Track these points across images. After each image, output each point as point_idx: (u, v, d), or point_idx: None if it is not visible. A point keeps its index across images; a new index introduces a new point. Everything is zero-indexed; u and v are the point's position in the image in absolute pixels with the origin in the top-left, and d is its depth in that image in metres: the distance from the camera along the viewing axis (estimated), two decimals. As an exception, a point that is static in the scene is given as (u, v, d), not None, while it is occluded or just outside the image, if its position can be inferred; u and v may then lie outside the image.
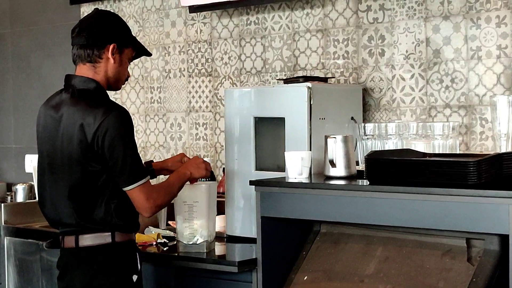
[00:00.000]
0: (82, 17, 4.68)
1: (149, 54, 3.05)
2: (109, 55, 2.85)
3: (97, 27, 2.87)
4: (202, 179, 3.84)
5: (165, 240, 3.37)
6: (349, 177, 2.97)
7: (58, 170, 2.82)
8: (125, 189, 2.77)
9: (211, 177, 3.88)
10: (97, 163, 2.75)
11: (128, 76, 2.98)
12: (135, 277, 2.85)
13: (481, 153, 3.18)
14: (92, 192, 2.77)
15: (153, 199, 2.80)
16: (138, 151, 2.83)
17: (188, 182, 3.05)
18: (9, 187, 4.87)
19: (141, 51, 3.01)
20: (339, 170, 2.98)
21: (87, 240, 2.80)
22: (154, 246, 3.33)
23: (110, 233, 2.79)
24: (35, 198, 4.43)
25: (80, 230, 2.80)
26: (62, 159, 2.80)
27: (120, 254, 2.82)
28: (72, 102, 2.82)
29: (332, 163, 2.97)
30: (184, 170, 3.02)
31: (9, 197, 4.67)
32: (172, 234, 3.41)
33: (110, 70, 2.87)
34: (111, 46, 2.85)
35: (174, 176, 2.98)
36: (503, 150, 2.95)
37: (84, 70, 2.87)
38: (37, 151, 2.95)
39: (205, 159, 3.23)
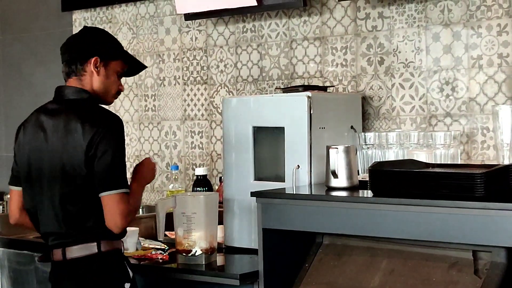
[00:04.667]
0: (73, 24, 4.66)
1: (143, 67, 3.04)
2: (92, 68, 2.86)
3: (80, 42, 2.90)
4: (200, 189, 3.81)
5: (163, 249, 3.32)
6: (351, 188, 2.94)
7: (47, 180, 2.80)
8: (102, 194, 2.72)
9: (207, 187, 3.85)
10: (89, 170, 2.73)
11: (121, 90, 2.96)
12: (127, 285, 2.82)
13: (483, 163, 3.17)
14: (84, 200, 2.75)
15: (127, 216, 2.74)
16: (131, 160, 2.81)
17: None
18: (0, 196, 4.81)
19: (135, 64, 2.99)
20: (341, 181, 2.94)
21: (74, 251, 2.78)
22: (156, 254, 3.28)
23: (95, 243, 2.77)
24: (28, 208, 4.40)
25: (67, 242, 2.78)
26: (52, 169, 2.78)
27: (108, 264, 2.80)
28: (66, 111, 2.81)
29: (334, 174, 2.93)
30: (143, 179, 2.93)
31: (0, 207, 4.61)
32: (164, 246, 3.36)
33: (95, 84, 2.87)
34: (93, 59, 2.86)
35: (137, 187, 2.88)
36: (506, 160, 2.94)
37: (73, 83, 2.88)
38: (17, 162, 2.94)
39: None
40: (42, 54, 4.88)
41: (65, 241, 2.79)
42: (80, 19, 4.65)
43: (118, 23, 4.44)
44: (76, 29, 4.67)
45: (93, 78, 2.87)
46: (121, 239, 2.89)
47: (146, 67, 3.09)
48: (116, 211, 2.72)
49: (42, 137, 2.84)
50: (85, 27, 3.04)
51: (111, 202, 2.72)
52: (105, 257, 2.79)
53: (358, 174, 3.19)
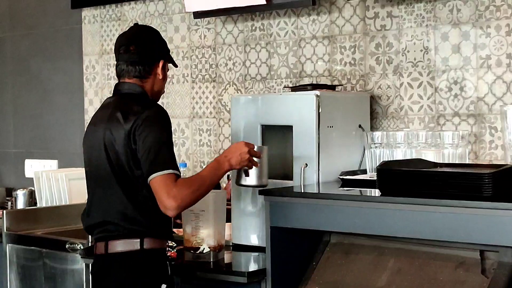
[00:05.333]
0: (83, 21, 4.68)
1: (176, 66, 3.07)
2: (159, 71, 2.90)
3: (148, 44, 2.90)
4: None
5: (171, 246, 3.33)
6: (259, 186, 2.96)
7: (104, 173, 2.80)
8: (148, 179, 2.70)
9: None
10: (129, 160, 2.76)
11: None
12: (163, 286, 2.81)
13: (491, 163, 3.17)
14: (128, 194, 2.76)
15: (174, 195, 2.66)
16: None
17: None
18: (9, 192, 4.83)
19: (173, 63, 3.03)
20: (251, 179, 2.95)
21: (118, 246, 2.78)
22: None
23: (139, 240, 2.77)
24: (35, 204, 4.43)
25: (110, 236, 2.78)
26: (99, 162, 2.80)
27: (149, 261, 2.79)
28: (116, 103, 2.84)
29: (246, 172, 2.94)
30: (222, 161, 2.84)
31: (9, 203, 4.63)
32: (172, 244, 3.37)
33: (156, 85, 2.92)
34: (161, 63, 2.91)
35: (209, 167, 2.83)
36: (514, 160, 2.94)
37: (131, 82, 2.90)
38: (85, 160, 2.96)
39: (256, 147, 2.95)
40: (51, 51, 4.90)
41: (108, 235, 2.79)
42: (89, 16, 4.66)
43: (127, 21, 4.45)
44: (85, 26, 4.69)
45: (155, 80, 2.90)
46: (167, 240, 2.89)
47: (176, 66, 3.10)
48: (162, 193, 2.67)
49: (94, 132, 2.86)
50: (138, 25, 3.04)
51: (156, 185, 2.68)
52: (147, 255, 2.79)
53: (366, 173, 3.21)
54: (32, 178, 4.47)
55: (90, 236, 3.23)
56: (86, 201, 2.93)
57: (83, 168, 2.95)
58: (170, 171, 2.69)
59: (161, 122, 2.76)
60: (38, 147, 4.97)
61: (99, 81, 4.64)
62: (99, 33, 4.62)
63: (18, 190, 4.53)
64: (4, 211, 3.90)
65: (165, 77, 2.95)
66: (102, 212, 2.81)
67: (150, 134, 2.71)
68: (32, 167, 4.85)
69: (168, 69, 2.99)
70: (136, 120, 2.73)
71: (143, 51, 2.88)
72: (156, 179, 2.68)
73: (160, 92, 2.96)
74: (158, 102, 2.92)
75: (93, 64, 4.66)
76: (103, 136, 2.81)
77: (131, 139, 2.73)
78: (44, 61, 4.94)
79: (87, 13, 4.67)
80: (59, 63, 4.86)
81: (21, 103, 5.10)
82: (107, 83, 4.58)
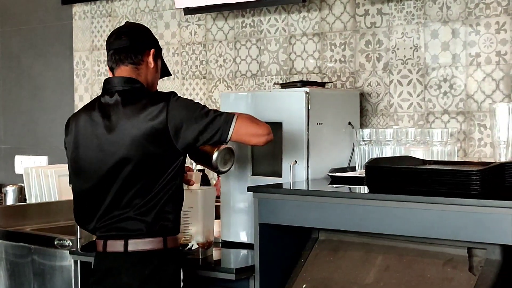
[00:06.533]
0: (73, 17, 4.67)
1: (169, 74, 3.06)
2: (150, 59, 2.85)
3: (138, 33, 2.88)
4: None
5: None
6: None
7: (116, 176, 2.73)
8: (228, 139, 2.75)
9: (205, 181, 3.86)
10: (174, 151, 2.73)
11: None
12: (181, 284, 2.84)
13: (480, 160, 3.17)
14: (151, 190, 2.73)
15: (258, 121, 2.83)
16: None
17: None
18: (-2, 188, 4.82)
19: (164, 69, 3.00)
20: None
21: (139, 245, 2.73)
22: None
23: (162, 238, 2.75)
24: (25, 200, 4.42)
25: (129, 235, 2.73)
26: (122, 164, 2.72)
27: (171, 258, 2.79)
28: (124, 103, 2.76)
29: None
30: None
31: (-2, 199, 4.62)
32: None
33: (149, 75, 2.87)
34: (152, 51, 2.86)
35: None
36: (503, 158, 2.94)
37: (125, 72, 2.83)
38: (72, 161, 2.84)
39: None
40: (41, 47, 4.88)
41: (126, 234, 2.74)
42: (80, 12, 4.65)
43: (117, 17, 4.44)
44: (76, 22, 4.68)
45: (148, 69, 2.85)
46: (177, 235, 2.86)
47: (171, 74, 3.10)
48: (252, 127, 2.79)
49: (102, 133, 2.76)
50: (129, 22, 3.04)
51: (241, 130, 2.76)
52: (170, 254, 2.78)
53: (355, 170, 3.21)
54: (22, 174, 4.46)
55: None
56: (80, 198, 2.85)
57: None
58: (235, 115, 2.77)
59: (189, 101, 2.78)
60: (28, 143, 4.96)
61: (89, 77, 4.63)
62: (90, 29, 4.61)
63: (8, 186, 4.52)
64: (-7, 207, 3.90)
65: (156, 70, 2.89)
66: (120, 212, 2.75)
67: (196, 115, 2.72)
68: (22, 163, 4.84)
69: (160, 66, 2.92)
70: (166, 114, 2.69)
71: (133, 37, 2.83)
72: (236, 127, 2.74)
73: (154, 85, 2.90)
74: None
75: (83, 60, 4.65)
76: (121, 137, 2.73)
77: (170, 134, 2.70)
78: (35, 57, 4.93)
79: (78, 9, 4.66)
80: (49, 59, 4.85)
81: (11, 99, 5.09)
82: (97, 79, 4.57)
